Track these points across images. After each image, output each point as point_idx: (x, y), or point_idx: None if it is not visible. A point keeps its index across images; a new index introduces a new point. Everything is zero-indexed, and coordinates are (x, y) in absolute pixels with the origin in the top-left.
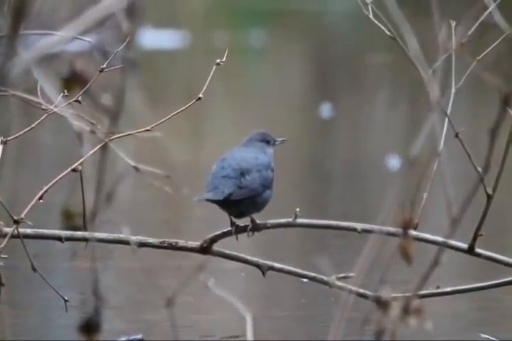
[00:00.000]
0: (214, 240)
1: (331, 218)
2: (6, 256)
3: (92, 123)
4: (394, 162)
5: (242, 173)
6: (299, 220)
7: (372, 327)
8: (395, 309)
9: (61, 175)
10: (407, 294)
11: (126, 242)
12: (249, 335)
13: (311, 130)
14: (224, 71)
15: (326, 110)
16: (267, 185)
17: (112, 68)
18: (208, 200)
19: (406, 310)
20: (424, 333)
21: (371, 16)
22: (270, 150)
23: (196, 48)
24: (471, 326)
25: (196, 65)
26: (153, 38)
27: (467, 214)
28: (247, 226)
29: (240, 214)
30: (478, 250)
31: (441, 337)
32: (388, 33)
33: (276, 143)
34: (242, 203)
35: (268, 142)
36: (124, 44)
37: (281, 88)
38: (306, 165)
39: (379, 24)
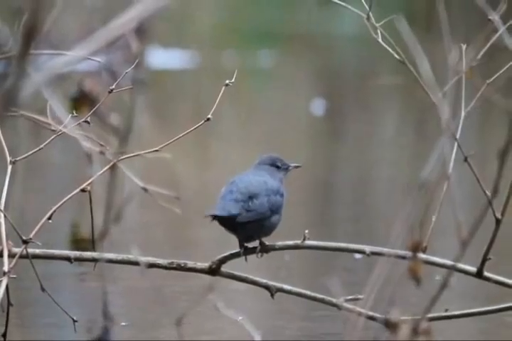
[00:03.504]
0: (223, 261)
1: (339, 239)
2: (15, 276)
3: (100, 144)
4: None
5: (250, 197)
6: (308, 242)
7: None
8: (404, 330)
9: (70, 195)
10: (416, 316)
11: (135, 263)
12: None
13: (319, 151)
14: (232, 92)
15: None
16: (274, 209)
17: (121, 89)
18: (214, 217)
19: (415, 332)
20: None
21: (380, 40)
22: (280, 175)
23: (204, 68)
24: None
25: (204, 85)
26: (162, 58)
27: (476, 238)
28: (255, 247)
29: (249, 238)
30: (486, 274)
31: None
32: (397, 56)
33: (289, 168)
34: (249, 226)
35: (278, 167)
36: (134, 64)
37: (290, 109)
38: (315, 187)
39: (388, 48)
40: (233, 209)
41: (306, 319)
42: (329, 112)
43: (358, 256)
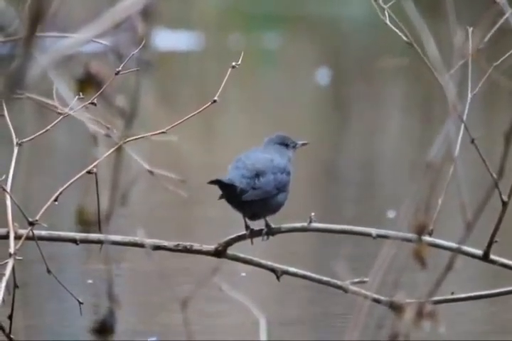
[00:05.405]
0: (229, 243)
1: (345, 221)
2: (20, 258)
3: (106, 126)
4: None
5: (257, 174)
6: (314, 224)
7: (386, 331)
8: (409, 313)
9: (76, 177)
10: (421, 299)
11: (141, 245)
12: (263, 339)
13: (324, 132)
14: (238, 73)
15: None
16: (281, 187)
17: (128, 71)
18: (218, 184)
19: (420, 314)
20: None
21: (388, 21)
22: (289, 153)
23: (210, 50)
24: (487, 332)
25: (210, 66)
26: (168, 39)
27: (482, 221)
28: (261, 230)
29: (254, 216)
30: (492, 257)
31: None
32: (405, 38)
33: (297, 145)
34: (255, 204)
35: (287, 145)
36: (140, 46)
37: (295, 91)
38: (321, 168)
39: (396, 30)
40: (238, 181)
41: (311, 302)
42: (334, 92)
43: (391, 215)
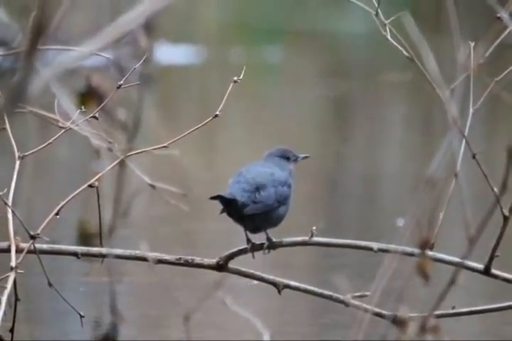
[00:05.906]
0: (230, 257)
1: (347, 233)
2: (22, 271)
3: (108, 140)
4: None
5: (258, 188)
6: (315, 239)
7: None
8: (412, 327)
9: (77, 191)
10: (424, 313)
11: (142, 259)
12: None
13: (326, 145)
14: (239, 87)
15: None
16: (282, 200)
17: (129, 85)
18: (219, 199)
19: (423, 329)
20: None
21: (389, 37)
22: (289, 166)
23: (212, 64)
24: None
25: (211, 80)
26: (169, 53)
27: (483, 235)
28: (263, 244)
29: (255, 229)
30: (494, 271)
31: None
32: (405, 53)
33: (298, 159)
34: (256, 218)
35: (288, 158)
36: (142, 60)
37: (297, 105)
38: (323, 181)
39: (397, 45)
40: (239, 195)
41: (312, 316)
42: (335, 107)
43: (400, 223)
